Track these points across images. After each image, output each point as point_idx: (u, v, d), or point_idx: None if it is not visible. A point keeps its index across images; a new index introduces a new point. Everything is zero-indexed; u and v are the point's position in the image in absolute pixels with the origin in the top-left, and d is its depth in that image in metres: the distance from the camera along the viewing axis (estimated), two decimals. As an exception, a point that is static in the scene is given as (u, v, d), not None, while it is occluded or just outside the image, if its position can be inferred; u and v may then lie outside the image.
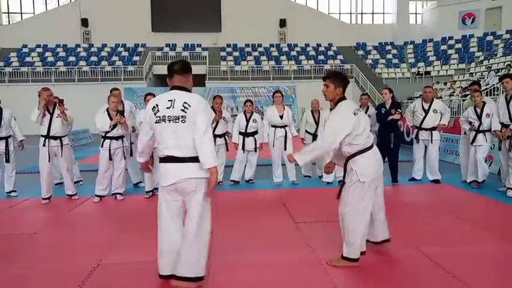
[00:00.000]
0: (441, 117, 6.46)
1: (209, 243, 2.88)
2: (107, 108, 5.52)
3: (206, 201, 2.81)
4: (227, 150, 6.58)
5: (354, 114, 3.08)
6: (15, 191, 5.94)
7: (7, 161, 5.83)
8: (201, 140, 2.64)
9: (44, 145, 5.48)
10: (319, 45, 25.64)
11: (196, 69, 22.61)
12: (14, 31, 24.72)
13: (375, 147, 3.23)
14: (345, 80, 3.22)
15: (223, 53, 24.66)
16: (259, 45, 25.45)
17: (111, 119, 5.46)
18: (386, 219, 3.43)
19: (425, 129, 6.47)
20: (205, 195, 2.78)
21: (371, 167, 3.11)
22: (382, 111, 6.44)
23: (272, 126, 6.51)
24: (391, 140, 6.26)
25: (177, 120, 2.67)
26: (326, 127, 3.34)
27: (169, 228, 2.84)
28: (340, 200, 3.24)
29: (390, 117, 6.26)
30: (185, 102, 2.67)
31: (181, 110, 2.67)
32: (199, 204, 2.75)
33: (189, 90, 2.80)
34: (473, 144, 6.06)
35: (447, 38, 24.52)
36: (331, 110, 6.25)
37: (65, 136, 5.63)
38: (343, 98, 3.20)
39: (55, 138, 5.50)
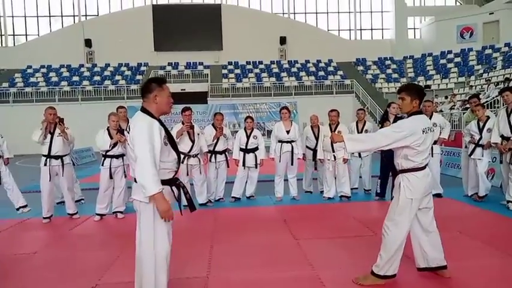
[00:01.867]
0: (441, 131, 6.48)
1: (159, 271, 2.66)
2: (108, 127, 5.57)
3: (149, 227, 2.64)
4: (228, 166, 6.59)
5: (423, 132, 3.01)
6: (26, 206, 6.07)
7: None
8: (136, 168, 2.56)
9: (45, 164, 5.51)
10: (319, 61, 25.90)
11: (198, 87, 23.06)
12: (19, 52, 25.18)
13: (428, 168, 3.16)
14: (421, 91, 3.13)
15: (224, 71, 24.94)
16: (260, 63, 25.74)
17: (111, 137, 5.50)
18: (442, 244, 3.27)
19: (426, 143, 6.46)
20: (151, 221, 2.64)
21: (421, 186, 3.05)
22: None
23: (279, 141, 6.55)
24: None
25: (127, 142, 2.76)
26: (390, 128, 3.24)
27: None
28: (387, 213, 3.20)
29: None
30: (128, 126, 2.71)
31: (127, 132, 2.74)
32: (142, 229, 2.67)
33: (147, 111, 2.68)
34: (472, 157, 6.07)
35: (446, 52, 24.72)
36: (330, 125, 6.37)
37: (66, 155, 5.66)
38: (419, 112, 3.14)
39: (56, 157, 5.54)
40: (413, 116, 3.10)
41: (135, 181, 2.69)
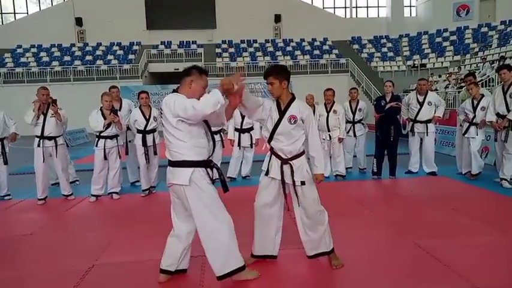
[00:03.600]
0: (436, 110, 6.48)
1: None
2: (101, 107, 5.49)
3: (202, 206, 2.78)
4: (223, 147, 6.56)
5: None
6: (9, 195, 5.83)
7: (5, 163, 5.70)
8: (194, 108, 2.53)
9: (38, 146, 5.45)
10: (314, 39, 25.56)
11: (192, 67, 22.67)
12: (7, 31, 24.52)
13: None
14: (286, 71, 3.08)
15: (218, 50, 24.56)
16: (255, 41, 25.36)
17: (105, 118, 5.43)
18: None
19: (421, 122, 6.48)
20: (201, 200, 2.77)
21: None
22: (382, 104, 6.44)
23: None
24: (391, 132, 6.27)
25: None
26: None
27: None
28: (307, 200, 3.13)
29: (388, 105, 6.25)
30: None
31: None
32: (199, 212, 2.78)
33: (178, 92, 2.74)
34: (465, 135, 6.10)
35: (442, 30, 24.48)
36: (325, 105, 6.31)
37: (59, 136, 5.61)
38: (294, 97, 3.11)
39: (49, 138, 5.48)
40: (294, 103, 3.06)
41: (170, 165, 2.71)
